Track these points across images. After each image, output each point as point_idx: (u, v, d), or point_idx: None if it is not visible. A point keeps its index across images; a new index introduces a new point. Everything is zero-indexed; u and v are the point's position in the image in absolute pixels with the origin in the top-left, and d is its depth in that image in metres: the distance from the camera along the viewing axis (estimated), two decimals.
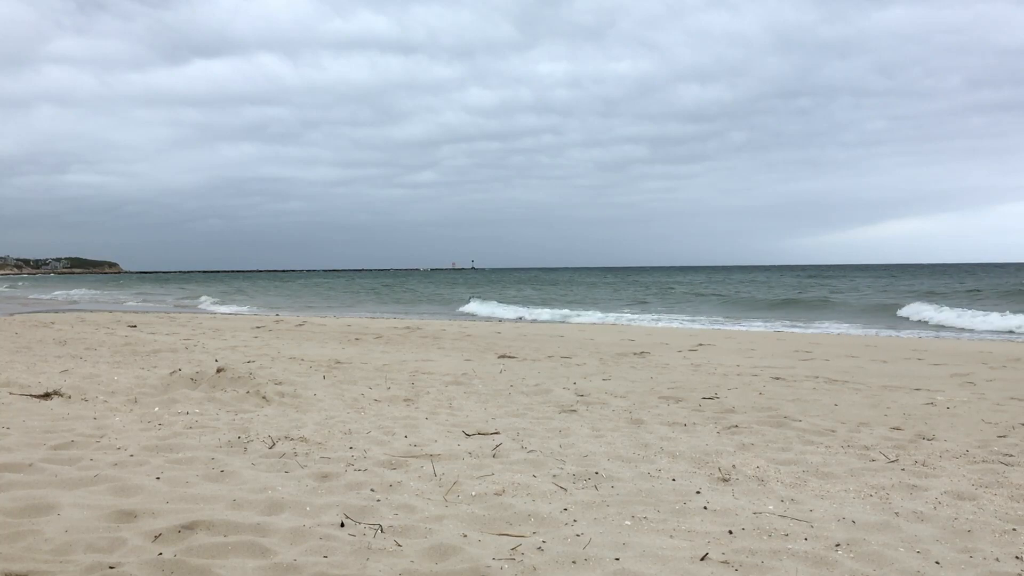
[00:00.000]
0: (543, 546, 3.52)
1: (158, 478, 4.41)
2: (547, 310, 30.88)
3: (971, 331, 19.62)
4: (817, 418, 6.65)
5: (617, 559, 3.39)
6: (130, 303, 37.83)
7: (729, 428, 6.20)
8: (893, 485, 4.56)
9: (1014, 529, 3.82)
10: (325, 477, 4.54)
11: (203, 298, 41.50)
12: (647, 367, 10.41)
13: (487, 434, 5.82)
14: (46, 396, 6.88)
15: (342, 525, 3.74)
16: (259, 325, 18.39)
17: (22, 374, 8.29)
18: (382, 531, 3.67)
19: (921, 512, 4.06)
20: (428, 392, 7.89)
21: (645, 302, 37.16)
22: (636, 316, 26.99)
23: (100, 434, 5.46)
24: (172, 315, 23.39)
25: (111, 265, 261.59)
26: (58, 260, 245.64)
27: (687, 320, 25.09)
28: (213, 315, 24.79)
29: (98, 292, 52.86)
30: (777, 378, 9.19)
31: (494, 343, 14.05)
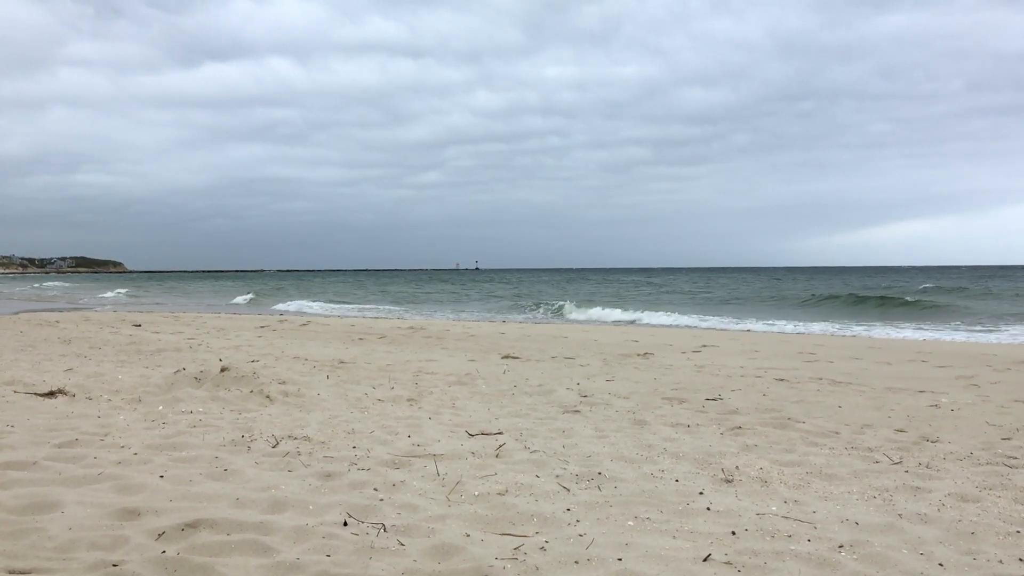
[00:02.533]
0: (546, 546, 3.52)
1: (162, 476, 4.42)
2: (357, 306, 36.40)
3: (596, 321, 26.03)
4: (821, 420, 6.64)
5: (620, 559, 3.38)
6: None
7: (733, 429, 6.19)
8: (897, 487, 4.55)
9: (1018, 531, 3.81)
10: (328, 476, 4.55)
11: (108, 294, 47.04)
12: (651, 368, 10.40)
13: (490, 434, 5.82)
14: (50, 394, 6.91)
15: (345, 524, 3.75)
16: (263, 325, 18.42)
17: (27, 372, 8.32)
18: (385, 530, 3.67)
19: (925, 514, 4.05)
20: (432, 392, 7.90)
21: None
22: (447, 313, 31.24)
23: (104, 432, 5.48)
24: (177, 315, 23.43)
25: (116, 264, 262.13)
26: (63, 259, 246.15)
27: (478, 317, 28.79)
28: (218, 315, 24.84)
29: (44, 289, 56.77)
30: (781, 380, 9.18)
31: (498, 343, 14.05)
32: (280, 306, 36.19)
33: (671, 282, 72.81)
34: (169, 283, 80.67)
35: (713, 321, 24.59)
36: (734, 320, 24.85)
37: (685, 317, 25.89)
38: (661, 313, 27.35)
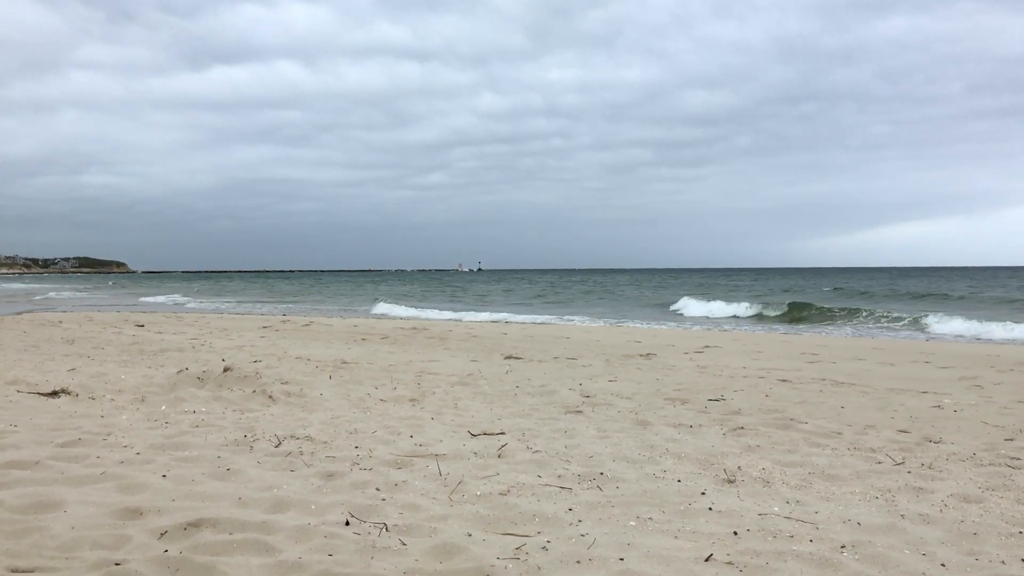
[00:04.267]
0: (547, 546, 3.52)
1: (164, 476, 4.42)
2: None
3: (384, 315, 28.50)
4: (823, 420, 6.63)
5: (621, 559, 3.38)
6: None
7: (735, 430, 6.19)
8: (899, 487, 4.55)
9: (1020, 532, 3.80)
10: (330, 476, 4.55)
11: (65, 294, 49.76)
12: (653, 368, 10.40)
13: (492, 434, 5.82)
14: (54, 394, 6.92)
15: (347, 524, 3.75)
16: (266, 325, 18.43)
17: (30, 372, 8.33)
18: (387, 530, 3.68)
19: (927, 515, 4.05)
20: (434, 392, 7.90)
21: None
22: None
23: (107, 432, 5.49)
24: (180, 315, 23.47)
25: (119, 265, 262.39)
26: (66, 260, 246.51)
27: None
28: (220, 315, 24.88)
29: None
30: (784, 380, 9.17)
31: (500, 344, 14.05)
32: (156, 298, 43.06)
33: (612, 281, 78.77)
34: (151, 283, 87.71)
35: (499, 314, 29.13)
36: (512, 313, 30.03)
37: (469, 314, 30.04)
38: (448, 311, 32.68)
